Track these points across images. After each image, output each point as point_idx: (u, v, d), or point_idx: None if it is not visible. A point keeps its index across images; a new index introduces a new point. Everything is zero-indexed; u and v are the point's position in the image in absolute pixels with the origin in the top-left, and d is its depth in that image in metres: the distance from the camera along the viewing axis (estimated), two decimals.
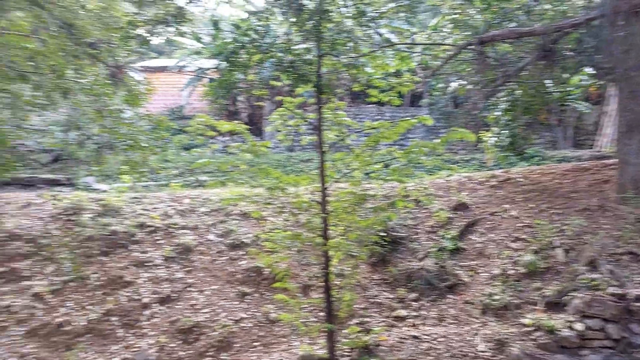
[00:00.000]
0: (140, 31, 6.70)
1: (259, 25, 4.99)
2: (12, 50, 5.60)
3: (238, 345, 6.40)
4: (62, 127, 11.52)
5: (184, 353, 6.29)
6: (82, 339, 6.51)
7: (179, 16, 5.78)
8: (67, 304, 7.00)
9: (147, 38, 6.03)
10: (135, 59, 17.11)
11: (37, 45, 5.63)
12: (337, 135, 5.94)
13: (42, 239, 8.21)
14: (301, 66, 5.22)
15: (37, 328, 6.64)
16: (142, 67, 18.57)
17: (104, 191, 11.46)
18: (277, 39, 5.35)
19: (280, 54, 5.08)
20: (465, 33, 9.70)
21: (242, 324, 6.73)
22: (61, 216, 8.79)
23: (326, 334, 5.67)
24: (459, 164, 14.38)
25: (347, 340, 6.04)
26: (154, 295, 7.16)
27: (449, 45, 9.81)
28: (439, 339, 6.24)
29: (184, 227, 8.57)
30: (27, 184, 11.39)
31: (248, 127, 5.78)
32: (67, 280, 7.39)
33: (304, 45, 5.23)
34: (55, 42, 6.17)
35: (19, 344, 6.44)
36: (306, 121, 5.84)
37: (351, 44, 5.32)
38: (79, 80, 6.21)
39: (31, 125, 7.75)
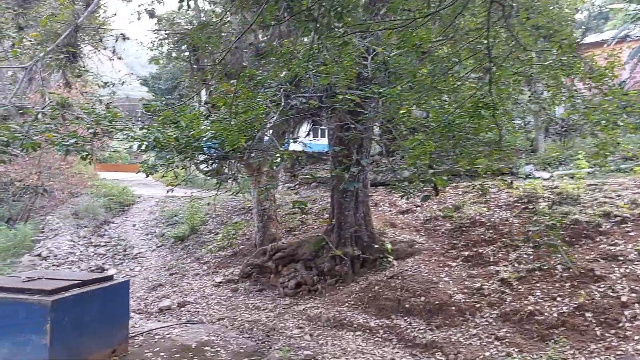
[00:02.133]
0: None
1: None
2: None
3: None
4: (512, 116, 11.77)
5: None
6: (555, 331, 6.29)
7: None
8: (535, 293, 6.93)
9: None
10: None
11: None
12: None
13: (501, 226, 8.53)
14: None
15: (508, 313, 6.81)
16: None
17: (545, 179, 11.10)
18: None
19: None
20: None
21: None
22: (517, 204, 8.93)
23: None
24: None
25: None
26: (633, 295, 6.28)
27: None
28: None
29: None
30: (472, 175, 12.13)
31: None
32: (531, 268, 7.37)
33: None
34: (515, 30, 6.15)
35: (494, 327, 6.75)
36: None
37: None
38: (539, 64, 6.00)
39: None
